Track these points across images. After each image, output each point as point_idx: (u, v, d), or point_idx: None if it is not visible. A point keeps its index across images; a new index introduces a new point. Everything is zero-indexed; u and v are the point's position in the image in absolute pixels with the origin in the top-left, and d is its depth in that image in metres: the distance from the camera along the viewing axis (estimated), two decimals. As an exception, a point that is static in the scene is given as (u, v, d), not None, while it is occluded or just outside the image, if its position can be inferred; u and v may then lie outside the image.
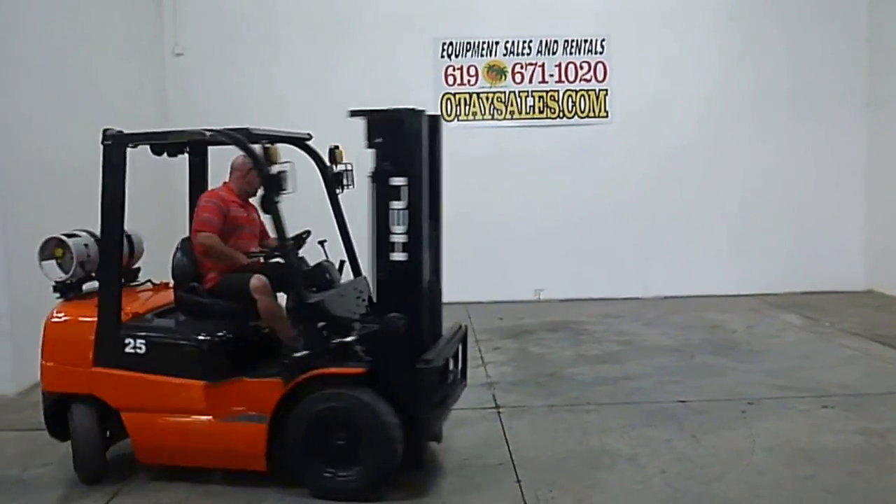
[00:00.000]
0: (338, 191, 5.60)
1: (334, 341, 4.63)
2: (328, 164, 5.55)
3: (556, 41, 11.06)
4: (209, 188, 5.66)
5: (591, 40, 11.10)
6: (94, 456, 4.89)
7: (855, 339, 8.51)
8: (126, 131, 4.96)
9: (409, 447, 4.57)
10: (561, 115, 11.04)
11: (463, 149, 9.60)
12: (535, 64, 11.08)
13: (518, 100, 11.06)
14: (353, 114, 4.59)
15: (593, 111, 11.13)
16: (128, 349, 4.69)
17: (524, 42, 11.04)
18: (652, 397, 6.60)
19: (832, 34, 11.29)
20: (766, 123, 11.26)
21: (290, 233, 4.92)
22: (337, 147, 5.52)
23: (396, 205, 4.54)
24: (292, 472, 4.70)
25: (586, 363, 7.76)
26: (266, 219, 5.04)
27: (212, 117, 10.63)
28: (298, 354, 4.61)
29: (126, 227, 5.08)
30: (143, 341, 4.72)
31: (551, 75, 11.09)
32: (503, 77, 11.05)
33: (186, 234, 5.46)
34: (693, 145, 11.09)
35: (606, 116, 11.07)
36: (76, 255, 4.97)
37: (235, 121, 5.18)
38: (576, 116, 11.10)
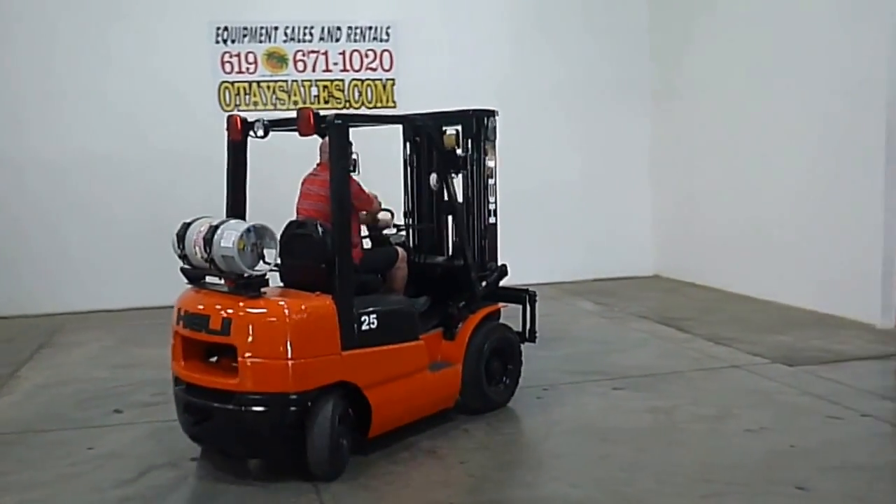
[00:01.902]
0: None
1: (482, 286, 6.21)
2: None
3: (339, 28, 11.10)
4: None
5: (376, 27, 11.23)
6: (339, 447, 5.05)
7: (644, 322, 9.19)
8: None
9: None
10: (347, 105, 11.06)
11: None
12: (318, 52, 11.06)
13: (301, 89, 11.01)
14: (474, 113, 6.82)
15: (381, 101, 11.26)
16: (364, 327, 5.14)
17: (305, 28, 10.99)
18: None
19: (615, 24, 12.06)
20: (555, 113, 11.83)
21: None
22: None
23: (491, 181, 6.40)
24: (465, 398, 5.97)
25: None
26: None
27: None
28: (463, 303, 6.05)
29: None
30: (374, 316, 5.22)
31: (336, 64, 11.12)
32: (284, 65, 10.96)
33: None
34: (484, 136, 11.40)
35: (395, 107, 11.18)
36: (266, 246, 5.03)
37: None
38: (363, 107, 11.18)
